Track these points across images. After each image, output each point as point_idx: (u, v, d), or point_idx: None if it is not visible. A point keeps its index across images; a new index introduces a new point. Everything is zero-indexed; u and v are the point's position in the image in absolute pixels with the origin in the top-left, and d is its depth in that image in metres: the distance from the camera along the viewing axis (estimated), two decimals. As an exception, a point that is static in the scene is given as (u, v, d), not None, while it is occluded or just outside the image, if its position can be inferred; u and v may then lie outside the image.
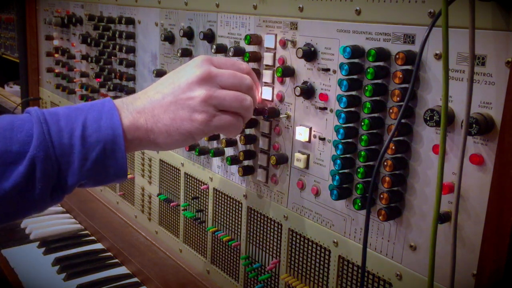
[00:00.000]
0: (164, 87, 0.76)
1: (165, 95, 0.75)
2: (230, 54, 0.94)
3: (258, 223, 1.00)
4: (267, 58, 0.90)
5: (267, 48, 0.91)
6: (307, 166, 0.86)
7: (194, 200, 1.17)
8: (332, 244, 0.84)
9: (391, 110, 0.69)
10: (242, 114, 0.80)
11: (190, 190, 1.19)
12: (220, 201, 1.09)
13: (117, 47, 1.35)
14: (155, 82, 0.80)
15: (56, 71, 1.75)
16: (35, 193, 0.67)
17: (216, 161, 1.08)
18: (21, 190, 0.65)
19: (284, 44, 0.87)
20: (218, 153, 1.04)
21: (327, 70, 0.80)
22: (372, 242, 0.77)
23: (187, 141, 0.77)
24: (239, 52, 0.94)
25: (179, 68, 0.79)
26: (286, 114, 0.89)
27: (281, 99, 0.90)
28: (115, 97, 1.41)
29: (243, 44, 0.94)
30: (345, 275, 0.83)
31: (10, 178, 0.64)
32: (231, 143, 1.01)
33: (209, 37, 1.03)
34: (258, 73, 0.92)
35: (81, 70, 1.61)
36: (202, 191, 1.14)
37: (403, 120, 0.70)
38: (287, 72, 0.86)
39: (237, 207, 1.05)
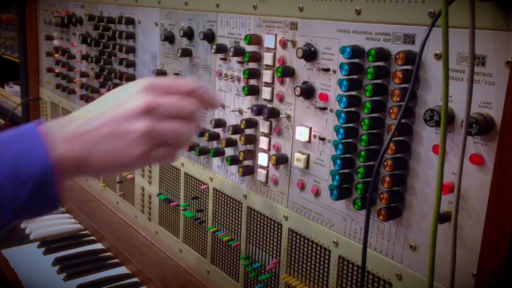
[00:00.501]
0: (100, 114, 0.69)
1: (100, 125, 0.68)
2: (230, 54, 0.94)
3: (258, 223, 1.00)
4: (267, 58, 0.90)
5: (267, 48, 0.91)
6: (307, 166, 0.86)
7: (194, 200, 1.17)
8: (332, 244, 0.84)
9: (391, 110, 0.69)
10: (181, 144, 0.76)
11: (190, 190, 1.19)
12: (220, 201, 1.09)
13: (117, 47, 1.35)
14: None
15: (56, 71, 1.75)
16: None
17: (216, 161, 1.08)
18: None
19: (284, 44, 0.87)
20: (218, 153, 1.04)
21: (327, 70, 0.80)
22: (372, 242, 0.77)
23: (122, 171, 0.73)
24: (239, 52, 0.94)
25: (117, 92, 0.73)
26: (286, 114, 0.89)
27: (281, 99, 0.90)
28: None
29: (243, 44, 0.94)
30: (345, 275, 0.83)
31: None
32: (231, 143, 1.01)
33: (209, 37, 1.03)
34: (258, 73, 0.92)
35: (81, 70, 1.61)
36: (202, 191, 1.14)
37: (403, 120, 0.70)
38: (287, 72, 0.86)
39: (237, 207, 1.05)
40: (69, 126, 0.69)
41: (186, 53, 1.10)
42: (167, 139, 0.72)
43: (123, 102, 0.70)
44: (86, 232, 1.44)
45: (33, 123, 0.68)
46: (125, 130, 0.69)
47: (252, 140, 0.96)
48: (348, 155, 0.78)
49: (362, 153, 0.73)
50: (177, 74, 1.16)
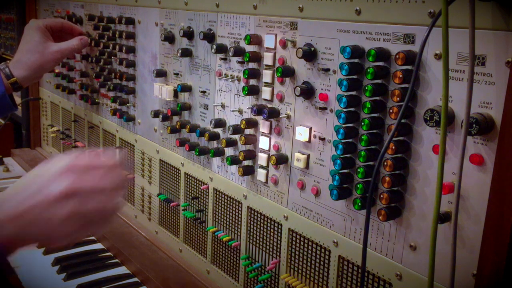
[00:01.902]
0: (21, 200, 0.69)
1: (27, 209, 0.68)
2: (230, 54, 0.94)
3: (258, 223, 1.00)
4: (267, 58, 0.90)
5: (267, 48, 0.91)
6: (307, 166, 0.86)
7: (194, 200, 1.17)
8: (332, 244, 0.84)
9: (391, 110, 0.69)
10: (108, 218, 0.76)
11: (190, 190, 1.19)
12: (220, 201, 1.09)
13: (117, 47, 1.35)
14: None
15: (56, 71, 1.75)
16: None
17: (216, 161, 1.08)
18: None
19: (284, 44, 0.87)
20: (218, 153, 1.04)
21: (327, 70, 0.80)
22: (372, 242, 0.77)
23: (63, 244, 0.74)
24: (239, 52, 0.94)
25: (41, 172, 0.73)
26: (286, 114, 0.89)
27: (281, 99, 0.90)
28: (115, 98, 1.41)
29: (243, 44, 0.94)
30: (345, 275, 0.83)
31: None
32: (231, 143, 1.01)
33: (209, 37, 1.03)
34: (258, 73, 0.93)
35: (81, 70, 1.61)
36: (202, 191, 1.14)
37: (403, 120, 0.70)
38: (287, 72, 0.86)
39: (237, 207, 1.05)
40: (3, 206, 0.69)
41: (186, 53, 1.10)
42: (92, 217, 0.73)
43: (45, 185, 0.70)
44: (86, 232, 1.44)
45: None
46: (49, 215, 0.69)
47: (252, 140, 0.96)
48: (348, 155, 0.78)
49: (362, 153, 0.73)
50: (177, 74, 1.16)
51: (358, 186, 0.74)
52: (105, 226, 0.77)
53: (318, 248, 0.87)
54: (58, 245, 0.73)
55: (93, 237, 1.41)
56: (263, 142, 0.93)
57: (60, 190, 0.70)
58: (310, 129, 0.84)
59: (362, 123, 0.72)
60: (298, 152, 0.87)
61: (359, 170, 0.73)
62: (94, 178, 0.73)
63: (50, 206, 0.70)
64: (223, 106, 1.03)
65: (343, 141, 0.77)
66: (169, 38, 1.16)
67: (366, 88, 0.71)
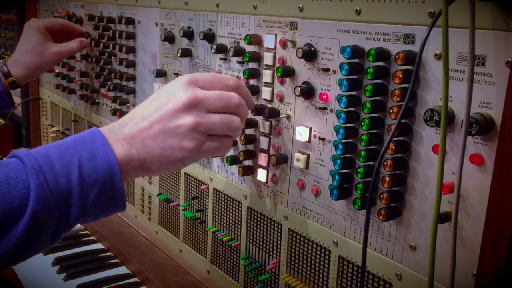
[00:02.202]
0: (150, 113, 0.72)
1: (152, 123, 0.71)
2: (230, 54, 0.94)
3: (258, 223, 1.00)
4: (267, 58, 0.90)
5: (267, 48, 0.91)
6: (307, 166, 0.86)
7: (194, 200, 1.17)
8: (332, 244, 0.84)
9: (391, 110, 0.69)
10: (231, 135, 0.77)
11: (190, 190, 1.19)
12: (220, 201, 1.09)
13: (117, 47, 1.35)
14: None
15: (56, 71, 1.75)
16: (36, 241, 0.64)
17: (216, 161, 1.08)
18: (22, 244, 0.63)
19: (284, 44, 0.87)
20: (218, 153, 1.04)
21: (327, 70, 0.80)
22: (372, 242, 0.77)
23: (178, 167, 0.75)
24: (239, 52, 0.94)
25: (163, 90, 0.75)
26: (286, 114, 0.89)
27: (281, 99, 0.90)
28: (115, 98, 1.41)
29: (243, 44, 0.94)
30: (345, 275, 0.83)
31: (13, 235, 0.61)
32: (231, 143, 1.01)
33: (209, 37, 1.03)
34: (258, 73, 0.93)
35: (81, 70, 1.61)
36: (202, 191, 1.14)
37: (403, 120, 0.70)
38: (287, 72, 0.86)
39: (237, 207, 1.05)
40: (125, 127, 0.72)
41: (186, 53, 1.10)
42: (215, 131, 0.74)
43: (168, 99, 0.72)
44: (86, 232, 1.44)
45: (91, 130, 0.70)
46: (174, 126, 0.71)
47: (252, 140, 0.96)
48: (348, 155, 0.78)
49: (362, 153, 0.73)
50: (177, 74, 1.17)
51: (358, 186, 0.74)
52: (227, 146, 0.77)
53: (318, 248, 0.87)
54: (178, 163, 0.73)
55: (93, 237, 1.41)
56: (263, 142, 0.94)
57: (184, 99, 0.71)
58: (310, 129, 0.84)
59: (362, 123, 0.72)
60: (298, 152, 0.87)
61: (359, 170, 0.73)
62: (217, 92, 0.75)
63: (175, 116, 0.71)
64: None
65: (343, 141, 0.77)
66: (169, 38, 1.16)
67: (366, 88, 0.71)
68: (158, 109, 0.72)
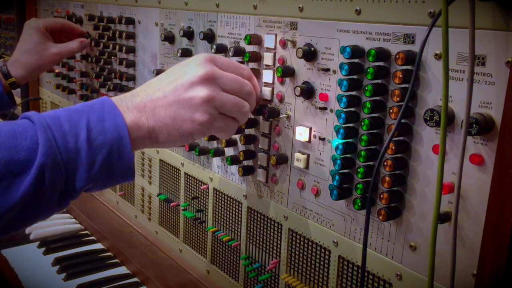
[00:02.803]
0: (165, 84, 0.73)
1: (166, 93, 0.72)
2: (230, 54, 0.94)
3: (258, 223, 1.00)
4: (267, 58, 0.90)
5: (267, 48, 0.91)
6: (307, 166, 0.86)
7: (194, 200, 1.17)
8: (332, 244, 0.84)
9: (391, 110, 0.69)
10: (239, 119, 0.79)
11: (190, 190, 1.19)
12: (220, 201, 1.09)
13: (117, 47, 1.35)
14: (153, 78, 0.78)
15: (56, 71, 1.75)
16: (43, 201, 0.64)
17: (216, 161, 1.08)
18: (29, 200, 0.62)
19: (284, 44, 0.87)
20: (218, 153, 1.04)
21: (327, 70, 0.80)
22: (372, 242, 0.77)
23: (186, 140, 0.75)
24: (239, 52, 0.94)
25: (180, 65, 0.77)
26: (286, 114, 0.89)
27: (281, 99, 0.90)
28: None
29: (243, 44, 0.94)
30: (345, 275, 0.83)
31: (19, 189, 0.61)
32: (231, 143, 1.01)
33: (209, 37, 1.03)
34: (258, 73, 0.92)
35: (81, 70, 1.61)
36: (202, 191, 1.14)
37: (403, 120, 0.70)
38: (287, 72, 0.86)
39: (237, 207, 1.05)
40: (137, 97, 0.73)
41: (186, 53, 1.10)
42: (227, 110, 0.76)
43: (185, 72, 0.74)
44: (86, 232, 1.44)
45: (101, 98, 0.72)
46: (188, 97, 0.72)
47: (252, 140, 0.96)
48: (348, 155, 0.78)
49: (362, 153, 0.73)
50: (177, 74, 1.16)
51: (358, 186, 0.74)
52: (233, 128, 0.79)
53: (318, 248, 0.87)
54: (187, 135, 0.74)
55: (93, 237, 1.41)
56: (263, 142, 0.93)
57: (202, 72, 0.73)
58: (310, 129, 0.84)
59: (362, 123, 0.72)
60: (298, 152, 0.87)
61: (359, 170, 0.73)
62: (233, 75, 0.77)
63: (190, 87, 0.73)
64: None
65: (343, 141, 0.77)
66: (169, 38, 1.16)
67: (366, 88, 0.71)
68: (174, 81, 0.73)
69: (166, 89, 0.73)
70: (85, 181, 0.66)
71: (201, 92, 0.73)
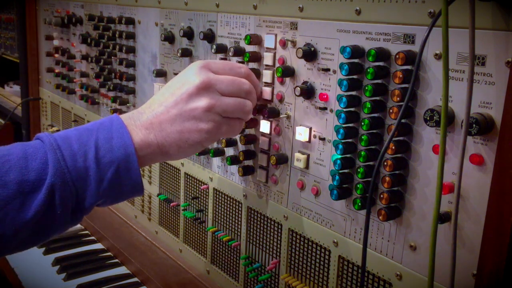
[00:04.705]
0: (166, 98, 0.75)
1: (168, 107, 0.74)
2: (230, 54, 0.94)
3: (258, 223, 1.00)
4: (267, 58, 0.90)
5: (267, 48, 0.91)
6: (307, 166, 0.86)
7: (194, 200, 1.17)
8: (332, 244, 0.84)
9: (391, 110, 0.69)
10: (243, 118, 0.81)
11: (190, 190, 1.19)
12: (220, 201, 1.09)
13: (117, 47, 1.35)
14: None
15: (56, 71, 1.75)
16: (55, 219, 0.67)
17: (216, 161, 1.08)
18: (42, 218, 0.65)
19: (284, 44, 0.87)
20: (218, 153, 1.04)
21: (327, 70, 0.80)
22: (372, 242, 0.77)
23: (196, 149, 0.77)
24: (239, 52, 0.94)
25: (178, 77, 0.78)
26: (286, 114, 0.89)
27: (281, 99, 0.90)
28: (115, 98, 1.41)
29: (243, 44, 0.94)
30: (345, 275, 0.83)
31: (31, 208, 0.64)
32: (231, 143, 1.01)
33: (209, 37, 1.03)
34: (258, 73, 0.92)
35: (81, 70, 1.61)
36: (202, 191, 1.14)
37: (403, 120, 0.70)
38: (287, 72, 0.86)
39: (237, 207, 1.05)
40: (144, 114, 0.75)
41: (186, 53, 1.10)
42: (229, 113, 0.77)
43: (182, 84, 0.75)
44: (86, 232, 1.44)
45: (110, 116, 0.74)
46: (189, 109, 0.74)
47: (252, 140, 0.96)
48: (348, 155, 0.78)
49: (362, 153, 0.73)
50: (177, 74, 1.16)
51: (358, 186, 0.74)
52: (239, 129, 0.81)
53: (318, 248, 0.87)
54: (196, 146, 0.75)
55: (93, 237, 1.41)
56: (263, 142, 0.93)
57: (198, 82, 0.74)
58: (310, 129, 0.84)
59: (362, 123, 0.72)
60: (298, 152, 0.87)
61: (359, 170, 0.73)
62: (229, 77, 0.78)
63: (190, 99, 0.74)
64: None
65: (343, 141, 0.77)
66: (169, 38, 1.16)
67: (366, 88, 0.71)
68: (173, 94, 0.75)
69: (168, 104, 0.74)
70: (95, 198, 0.69)
71: (201, 102, 0.74)
